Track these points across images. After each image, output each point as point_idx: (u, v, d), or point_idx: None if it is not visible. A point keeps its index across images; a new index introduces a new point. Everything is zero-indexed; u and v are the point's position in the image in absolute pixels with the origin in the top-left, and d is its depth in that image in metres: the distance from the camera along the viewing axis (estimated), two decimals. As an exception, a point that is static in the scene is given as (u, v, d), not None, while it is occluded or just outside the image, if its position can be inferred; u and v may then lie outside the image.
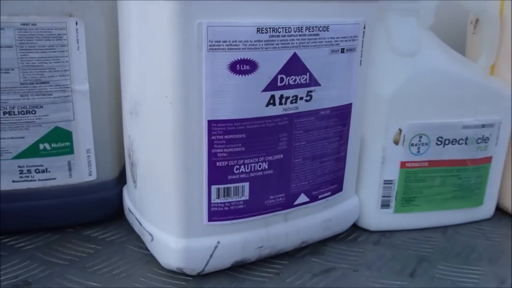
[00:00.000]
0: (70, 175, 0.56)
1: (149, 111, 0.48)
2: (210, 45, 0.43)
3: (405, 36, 0.55)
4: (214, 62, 0.43)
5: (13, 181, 0.54)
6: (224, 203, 0.48)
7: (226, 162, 0.47)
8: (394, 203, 0.58)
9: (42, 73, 0.52)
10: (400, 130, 0.56)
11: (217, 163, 0.46)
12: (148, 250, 0.53)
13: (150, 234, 0.51)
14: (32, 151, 0.54)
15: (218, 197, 0.48)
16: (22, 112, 0.52)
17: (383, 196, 0.58)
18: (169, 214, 0.48)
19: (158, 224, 0.50)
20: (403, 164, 0.57)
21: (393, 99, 0.54)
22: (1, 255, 0.53)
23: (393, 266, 0.53)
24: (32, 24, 0.50)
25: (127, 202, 0.57)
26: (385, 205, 0.59)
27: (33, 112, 0.52)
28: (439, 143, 0.57)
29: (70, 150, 0.55)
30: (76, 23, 0.51)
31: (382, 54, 0.55)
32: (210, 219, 0.48)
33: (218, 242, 0.49)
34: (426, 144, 0.56)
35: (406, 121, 0.55)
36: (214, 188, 0.47)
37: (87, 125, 0.55)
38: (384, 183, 0.58)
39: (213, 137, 0.45)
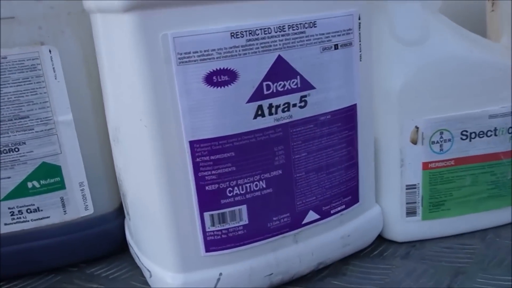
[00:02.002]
0: (65, 211, 0.53)
1: (127, 136, 0.44)
2: (179, 58, 0.38)
3: (410, 23, 0.49)
4: (187, 76, 0.39)
5: (5, 224, 0.51)
6: (220, 230, 0.43)
7: (216, 185, 0.42)
8: (420, 210, 0.52)
9: (20, 107, 0.48)
10: (417, 128, 0.49)
11: (207, 187, 0.42)
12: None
13: (148, 270, 0.47)
14: (20, 191, 0.51)
15: (213, 224, 0.43)
16: (5, 151, 0.49)
17: (407, 203, 0.52)
18: (163, 247, 0.44)
19: (155, 259, 0.46)
20: (425, 165, 0.50)
21: (404, 93, 0.48)
22: (0, 304, 0.50)
23: (425, 283, 0.47)
24: (2, 58, 0.47)
25: (128, 236, 0.53)
26: (410, 212, 0.52)
27: (16, 149, 0.49)
28: (464, 137, 0.50)
29: (61, 186, 0.52)
30: (50, 51, 0.48)
31: (386, 46, 0.49)
32: (207, 250, 0.43)
33: (220, 274, 0.44)
34: (449, 140, 0.50)
35: (423, 116, 0.49)
36: (207, 215, 0.42)
37: (76, 157, 0.52)
38: (407, 188, 0.51)
39: (198, 159, 0.41)
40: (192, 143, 0.40)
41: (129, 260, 0.55)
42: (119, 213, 0.56)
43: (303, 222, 0.46)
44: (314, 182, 0.46)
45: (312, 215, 0.46)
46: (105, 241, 0.55)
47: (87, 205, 0.53)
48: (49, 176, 0.51)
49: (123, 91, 0.42)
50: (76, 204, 0.53)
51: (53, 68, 0.49)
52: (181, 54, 0.38)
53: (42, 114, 0.49)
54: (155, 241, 0.45)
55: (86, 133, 0.52)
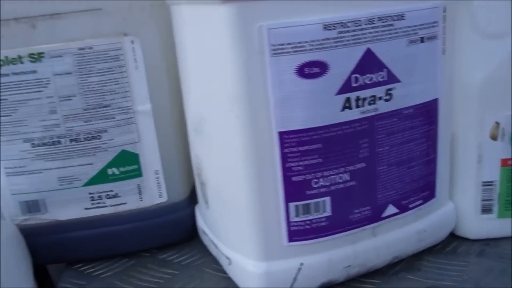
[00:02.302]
0: (141, 198, 0.54)
1: (214, 127, 0.44)
2: (273, 50, 0.39)
3: (492, 16, 0.48)
4: (280, 67, 0.39)
5: (86, 208, 0.53)
6: (304, 221, 0.43)
7: (302, 176, 0.42)
8: (497, 207, 0.51)
9: (103, 96, 0.50)
10: (498, 124, 0.48)
11: (293, 178, 0.42)
12: (226, 273, 0.50)
13: (228, 258, 0.47)
14: (101, 177, 0.52)
15: (297, 215, 0.43)
16: (88, 138, 0.51)
17: (483, 200, 0.51)
18: (245, 236, 0.45)
19: (235, 247, 0.47)
20: (504, 162, 0.50)
21: (484, 87, 0.48)
22: (80, 285, 0.52)
23: (506, 282, 0.46)
24: (88, 48, 0.48)
25: (201, 223, 0.54)
26: (486, 210, 0.51)
27: (99, 137, 0.51)
28: (546, 134, 0.49)
29: (138, 173, 0.53)
30: (132, 42, 0.49)
31: (466, 39, 0.48)
32: (290, 240, 0.44)
33: (301, 264, 0.44)
34: (531, 136, 0.49)
35: (504, 112, 0.48)
36: (292, 205, 0.43)
37: (153, 146, 0.53)
38: (483, 185, 0.51)
39: (286, 150, 0.41)
40: (281, 134, 0.41)
41: (199, 247, 0.56)
42: (190, 201, 0.57)
43: (383, 216, 0.46)
44: (395, 175, 0.45)
45: (391, 209, 0.46)
46: (176, 228, 0.57)
47: (161, 193, 0.54)
48: (127, 164, 0.52)
49: (212, 81, 0.42)
50: (151, 191, 0.54)
51: (135, 58, 0.50)
52: (275, 45, 0.39)
53: (123, 103, 0.50)
54: (237, 230, 0.46)
55: (163, 122, 0.53)
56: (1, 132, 0.50)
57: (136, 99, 0.51)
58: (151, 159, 0.53)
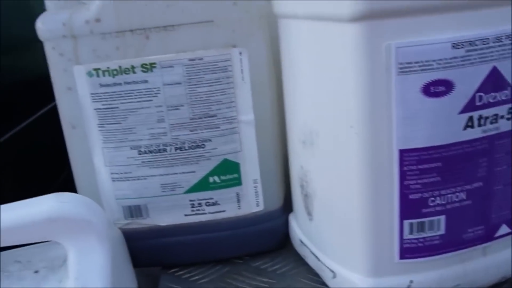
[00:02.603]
0: (239, 206, 0.55)
1: (329, 141, 0.44)
2: (400, 68, 0.38)
3: None
4: (405, 85, 0.39)
5: (185, 215, 0.54)
6: (417, 239, 0.43)
7: (419, 195, 0.42)
8: None
9: (210, 106, 0.51)
10: None
11: (410, 196, 0.42)
12: (324, 284, 0.50)
13: (332, 271, 0.48)
14: (202, 185, 0.53)
15: (411, 232, 0.43)
16: (192, 147, 0.52)
17: None
18: (354, 250, 0.45)
19: (341, 261, 0.47)
20: None
21: None
22: (179, 290, 0.53)
23: None
24: (198, 59, 0.49)
25: (297, 234, 0.54)
26: None
27: (203, 146, 0.52)
28: None
29: (238, 182, 0.54)
30: (240, 53, 0.50)
31: None
32: (402, 257, 0.44)
33: (411, 281, 0.44)
34: None
35: None
36: (406, 223, 0.43)
37: (253, 155, 0.53)
38: None
39: (405, 168, 0.41)
40: (401, 152, 0.41)
41: (291, 257, 0.57)
42: (284, 210, 0.58)
43: (495, 235, 0.45)
44: (510, 195, 0.45)
45: (504, 229, 0.45)
46: (270, 236, 0.57)
47: (258, 202, 0.55)
48: (228, 172, 0.53)
49: (331, 97, 0.42)
50: (249, 200, 0.55)
51: (241, 69, 0.50)
52: (402, 64, 0.38)
53: (228, 114, 0.51)
54: (345, 244, 0.46)
55: (263, 132, 0.53)
56: (110, 139, 0.51)
57: (241, 110, 0.51)
58: (251, 168, 0.54)
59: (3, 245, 0.44)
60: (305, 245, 0.53)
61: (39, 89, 0.85)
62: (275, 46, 0.52)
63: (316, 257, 0.50)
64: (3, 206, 0.45)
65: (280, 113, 0.54)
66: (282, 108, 0.54)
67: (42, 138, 0.82)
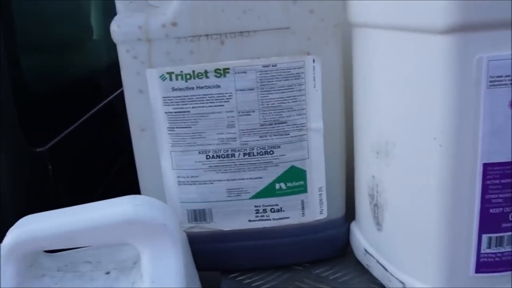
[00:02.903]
0: (303, 214, 0.55)
1: (407, 152, 0.44)
2: (490, 82, 0.38)
3: None
4: (494, 99, 0.39)
5: (249, 220, 0.54)
6: (495, 253, 0.43)
7: (501, 209, 0.41)
8: None
9: (281, 113, 0.51)
10: None
11: (491, 210, 0.41)
12: (388, 295, 0.50)
13: (401, 282, 0.47)
14: (268, 191, 0.53)
15: (489, 246, 0.42)
16: (261, 153, 0.52)
17: None
18: (428, 262, 0.44)
19: (412, 272, 0.47)
20: None
21: None
22: (240, 295, 0.53)
23: None
24: (272, 66, 0.49)
25: (361, 243, 0.54)
26: None
27: (271, 152, 0.52)
28: None
29: (304, 189, 0.54)
30: (314, 61, 0.50)
31: None
32: (477, 271, 0.43)
33: (485, 296, 0.44)
34: None
35: None
36: (485, 237, 0.42)
37: (320, 163, 0.53)
38: None
39: (488, 182, 0.41)
40: (485, 166, 0.40)
41: (351, 266, 0.56)
42: (346, 219, 0.58)
43: None
44: None
45: None
46: (332, 244, 0.57)
47: (322, 209, 0.55)
48: (295, 179, 0.53)
49: (413, 108, 0.42)
50: (314, 207, 0.55)
51: (314, 77, 0.50)
52: (492, 77, 0.38)
53: (298, 121, 0.51)
54: (418, 255, 0.45)
55: (330, 141, 0.53)
56: (179, 142, 0.52)
57: (310, 117, 0.51)
58: (317, 176, 0.54)
59: (80, 245, 0.45)
60: (370, 254, 0.52)
61: (87, 89, 0.86)
62: (345, 55, 0.52)
63: (383, 267, 0.50)
64: (79, 207, 0.45)
65: (348, 122, 0.54)
66: (349, 116, 0.54)
67: (90, 139, 0.83)
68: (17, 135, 0.61)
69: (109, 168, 0.89)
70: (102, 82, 0.91)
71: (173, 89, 0.50)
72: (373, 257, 0.52)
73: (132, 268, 0.46)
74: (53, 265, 0.46)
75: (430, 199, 0.43)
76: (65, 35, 0.79)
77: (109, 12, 0.54)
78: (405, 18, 0.41)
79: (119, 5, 0.51)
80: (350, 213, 0.58)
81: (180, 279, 0.44)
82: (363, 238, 0.54)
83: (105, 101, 0.86)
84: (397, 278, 0.48)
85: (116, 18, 0.50)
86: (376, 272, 0.52)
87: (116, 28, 0.49)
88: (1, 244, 0.43)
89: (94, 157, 0.83)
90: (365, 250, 0.54)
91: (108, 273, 0.46)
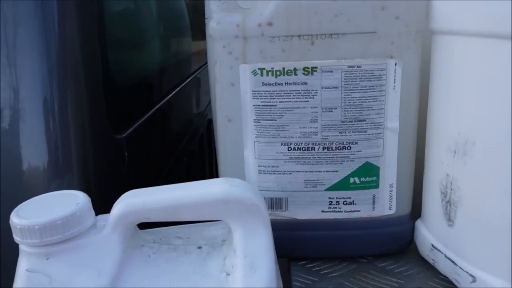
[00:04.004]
0: (373, 208, 0.58)
1: (488, 152, 0.47)
2: None
3: None
4: None
5: (322, 211, 0.58)
6: None
7: None
8: None
9: (361, 111, 0.54)
10: None
11: None
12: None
13: (472, 276, 0.50)
14: (343, 184, 0.57)
15: None
16: (339, 148, 0.55)
17: None
18: (500, 256, 0.47)
19: (484, 266, 0.49)
20: None
21: None
22: (313, 281, 0.56)
23: None
24: (357, 67, 0.53)
25: (428, 239, 0.57)
26: None
27: (349, 148, 0.55)
28: None
29: (376, 185, 0.57)
30: (395, 64, 0.53)
31: None
32: (550, 266, 0.46)
33: (557, 291, 0.46)
34: None
35: None
36: (559, 234, 0.45)
37: (393, 161, 0.57)
38: None
39: None
40: None
41: (413, 261, 0.59)
42: (411, 216, 0.61)
43: None
44: None
45: None
46: (397, 239, 0.60)
47: (391, 205, 0.58)
48: (368, 175, 0.57)
49: (496, 111, 0.45)
50: (384, 202, 0.58)
51: (394, 79, 0.54)
52: None
53: (376, 119, 0.55)
54: (491, 250, 0.48)
55: (404, 140, 0.56)
56: (263, 134, 0.56)
57: (388, 117, 0.55)
58: (389, 172, 0.57)
59: (180, 219, 0.49)
60: (438, 249, 0.55)
61: (157, 84, 0.91)
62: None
63: (453, 261, 0.53)
64: (178, 185, 0.49)
65: (422, 121, 0.57)
66: (421, 117, 0.57)
67: (156, 130, 0.87)
68: (105, 125, 0.66)
69: (168, 159, 0.93)
70: (166, 78, 0.96)
71: (263, 84, 0.54)
72: (440, 252, 0.55)
73: (222, 245, 0.50)
74: (149, 237, 0.50)
75: (507, 196, 0.45)
76: (139, 33, 0.84)
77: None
78: (501, 26, 0.44)
79: (212, 5, 0.56)
80: (414, 211, 0.61)
81: (270, 255, 0.47)
82: (430, 234, 0.57)
83: (167, 97, 0.91)
84: (467, 272, 0.51)
85: (214, 17, 0.54)
86: (443, 267, 0.55)
87: (216, 25, 0.54)
88: (111, 213, 0.47)
89: (158, 147, 0.87)
90: (432, 245, 0.56)
91: (200, 247, 0.50)
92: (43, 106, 0.59)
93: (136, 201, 0.47)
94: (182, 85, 1.00)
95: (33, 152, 0.60)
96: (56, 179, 0.61)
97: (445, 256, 0.54)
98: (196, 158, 1.23)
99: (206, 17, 0.65)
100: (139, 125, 0.78)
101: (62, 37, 0.60)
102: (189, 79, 1.13)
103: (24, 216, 0.43)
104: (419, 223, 0.60)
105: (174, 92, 0.91)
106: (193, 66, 1.27)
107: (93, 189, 0.64)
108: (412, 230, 0.60)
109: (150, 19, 0.87)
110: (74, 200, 0.45)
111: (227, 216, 0.48)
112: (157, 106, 0.85)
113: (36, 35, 0.58)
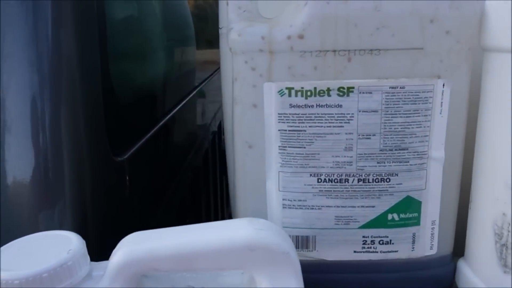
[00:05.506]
0: (413, 248, 0.51)
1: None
2: None
3: None
4: None
5: (355, 252, 0.51)
6: None
7: None
8: None
9: (403, 139, 0.47)
10: None
11: None
12: None
13: (535, 333, 0.43)
14: (379, 221, 0.49)
15: None
16: (377, 180, 0.48)
17: None
18: None
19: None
20: None
21: None
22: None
23: None
24: (400, 87, 0.46)
25: (474, 283, 0.50)
26: None
27: (388, 180, 0.48)
28: None
29: (417, 222, 0.50)
30: (443, 85, 0.46)
31: None
32: None
33: None
34: None
35: None
36: None
37: (436, 195, 0.50)
38: None
39: None
40: None
41: (456, 307, 0.52)
42: (452, 257, 0.53)
43: None
44: None
45: None
46: (437, 283, 0.53)
47: (432, 245, 0.51)
48: (409, 211, 0.49)
49: None
50: (424, 242, 0.51)
51: (441, 102, 0.47)
52: None
53: (419, 148, 0.48)
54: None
55: (449, 171, 0.49)
56: (289, 163, 0.48)
57: (432, 145, 0.48)
58: (432, 208, 0.50)
59: (194, 270, 0.42)
60: (489, 298, 0.48)
61: (159, 100, 0.84)
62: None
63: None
64: (191, 226, 0.42)
65: (468, 151, 0.50)
66: (466, 144, 0.50)
67: (158, 151, 0.80)
68: (104, 145, 0.58)
69: (172, 178, 0.86)
70: (171, 91, 0.89)
71: (291, 106, 0.47)
72: (495, 301, 0.48)
73: (242, 297, 0.43)
74: (156, 288, 0.43)
75: None
76: (144, 43, 0.77)
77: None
78: None
79: (230, 13, 0.48)
80: (454, 249, 0.54)
81: (303, 314, 0.40)
82: (478, 278, 0.50)
83: (171, 113, 0.83)
84: (528, 328, 0.44)
85: (234, 27, 0.47)
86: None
87: (237, 37, 0.46)
88: (109, 261, 0.39)
89: (162, 167, 0.80)
90: (481, 292, 0.49)
91: (216, 300, 0.43)
92: (31, 123, 0.51)
93: (140, 247, 0.39)
94: (188, 98, 0.92)
95: (19, 176, 0.52)
96: (45, 209, 0.53)
97: (503, 306, 0.47)
98: (201, 172, 1.15)
99: (220, 27, 0.57)
100: (142, 144, 0.70)
101: (56, 45, 0.52)
102: (194, 92, 1.06)
103: (4, 266, 0.35)
104: (462, 264, 0.53)
105: (179, 106, 0.84)
106: (197, 78, 1.19)
107: (90, 219, 0.56)
108: (453, 272, 0.53)
109: (155, 28, 0.80)
110: (66, 245, 0.38)
111: (251, 266, 0.41)
112: (162, 123, 0.78)
113: (26, 42, 0.50)
